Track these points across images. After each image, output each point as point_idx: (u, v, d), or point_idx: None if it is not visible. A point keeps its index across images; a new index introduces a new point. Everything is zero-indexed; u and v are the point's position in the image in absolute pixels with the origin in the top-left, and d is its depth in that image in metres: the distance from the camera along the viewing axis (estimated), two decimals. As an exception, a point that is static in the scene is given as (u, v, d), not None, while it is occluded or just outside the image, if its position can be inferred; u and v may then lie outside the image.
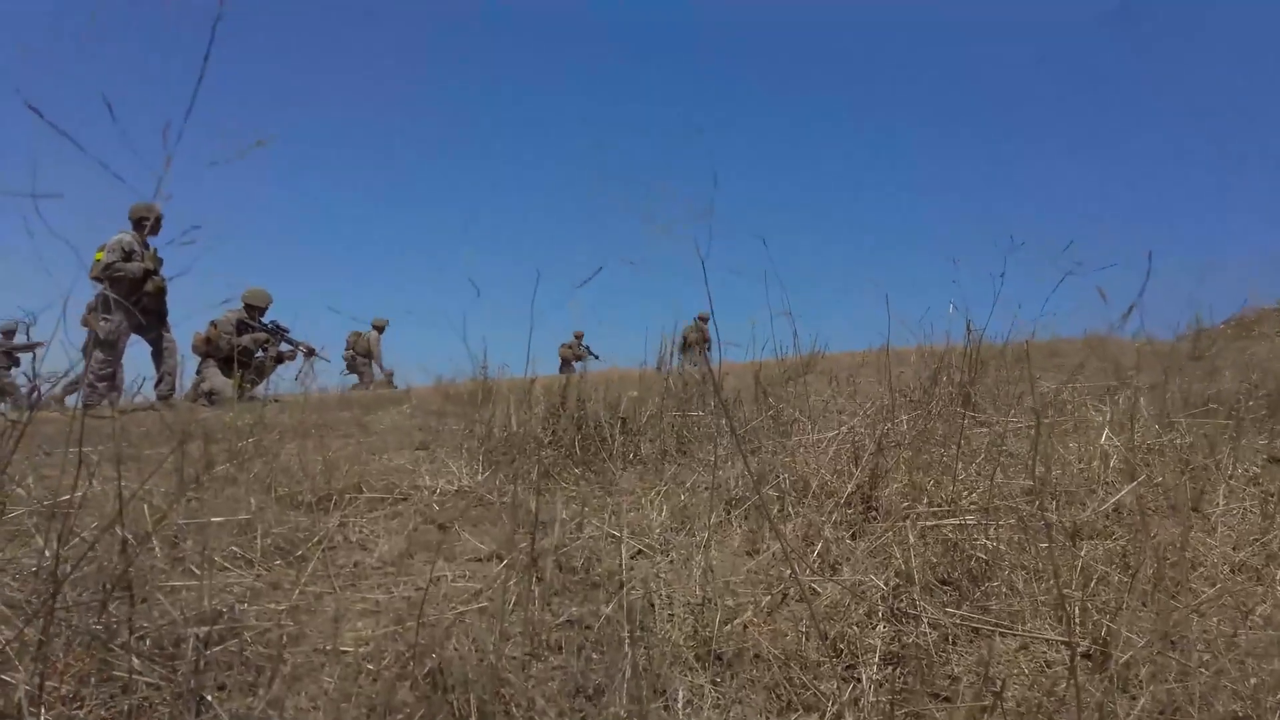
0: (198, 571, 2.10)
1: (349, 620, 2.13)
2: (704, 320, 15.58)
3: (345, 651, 1.99)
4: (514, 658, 2.03)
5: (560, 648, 2.12)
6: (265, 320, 8.67)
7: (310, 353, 8.67)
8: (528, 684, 1.92)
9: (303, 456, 3.16)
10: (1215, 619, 2.31)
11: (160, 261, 7.61)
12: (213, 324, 8.46)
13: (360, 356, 15.74)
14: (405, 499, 2.97)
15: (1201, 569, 2.62)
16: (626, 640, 2.07)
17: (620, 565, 2.33)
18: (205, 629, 1.85)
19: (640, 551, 2.60)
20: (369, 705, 1.79)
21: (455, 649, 1.98)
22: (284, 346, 8.70)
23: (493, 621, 2.09)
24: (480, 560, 2.53)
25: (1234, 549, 2.79)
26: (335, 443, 4.04)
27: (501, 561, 2.43)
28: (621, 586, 2.19)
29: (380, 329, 15.92)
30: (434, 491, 3.02)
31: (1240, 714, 2.04)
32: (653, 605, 2.31)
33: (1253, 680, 2.10)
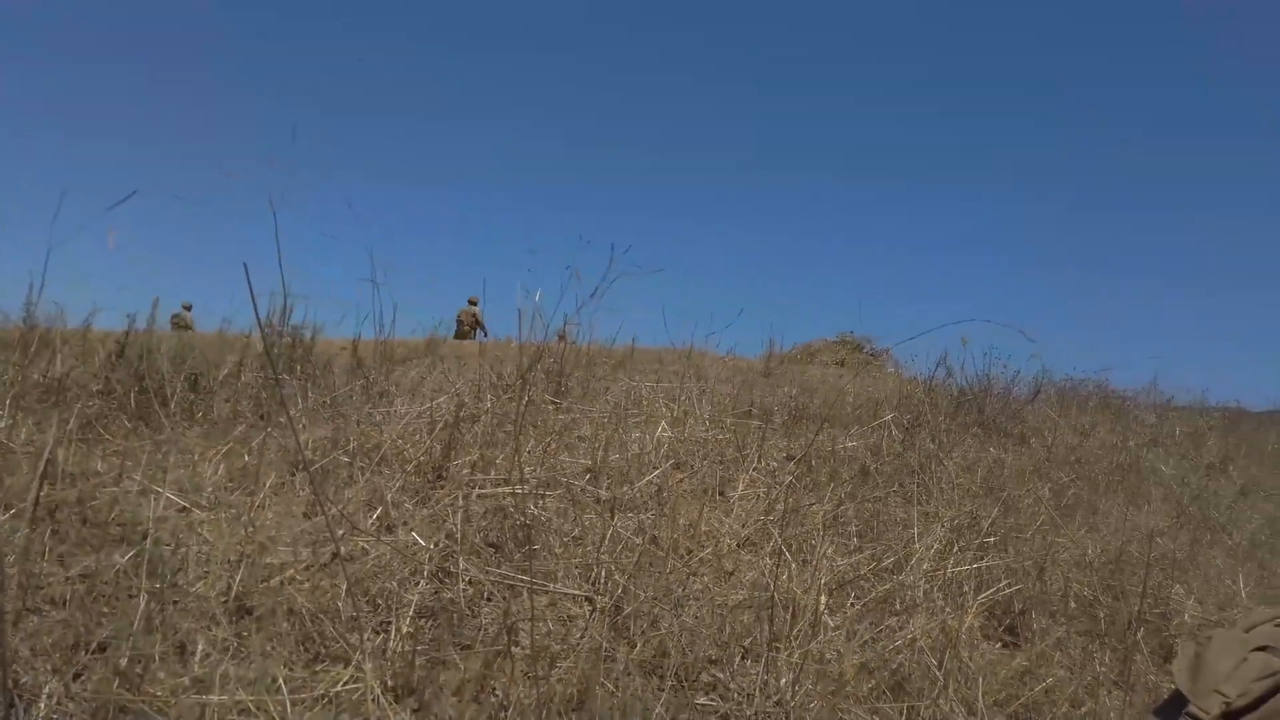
0: None
1: None
2: (474, 303, 14.99)
3: None
4: (5, 611, 1.84)
5: (66, 602, 1.96)
6: None
7: None
8: (15, 638, 1.76)
9: None
10: (708, 579, 2.73)
11: None
12: None
13: None
14: (-105, 442, 2.54)
15: (712, 540, 3.06)
16: (144, 593, 1.97)
17: (150, 519, 2.20)
18: None
19: (185, 509, 2.47)
20: None
21: (-75, 602, 1.75)
22: None
23: (-19, 573, 1.87)
24: (-16, 511, 2.25)
25: (743, 526, 3.30)
26: None
27: (9, 511, 2.19)
28: (145, 538, 2.07)
29: None
30: (-63, 436, 2.61)
31: (714, 657, 2.44)
32: (186, 562, 2.22)
33: (726, 630, 2.52)
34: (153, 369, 3.23)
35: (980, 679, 2.54)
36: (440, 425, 3.18)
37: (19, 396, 2.84)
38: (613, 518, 2.93)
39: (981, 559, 3.16)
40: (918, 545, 3.24)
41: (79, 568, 2.05)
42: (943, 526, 3.44)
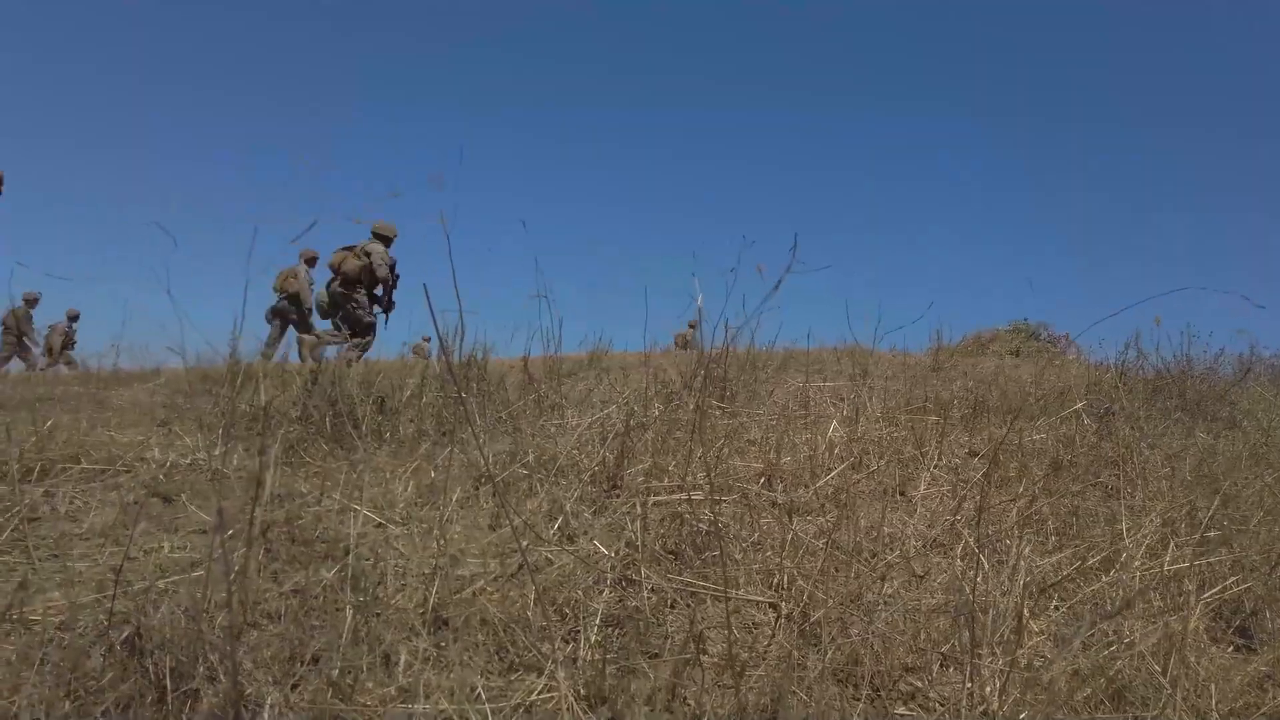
0: None
1: (43, 590, 1.99)
2: (693, 327, 15.53)
3: (34, 620, 1.86)
4: (227, 626, 1.97)
5: (281, 616, 2.09)
6: None
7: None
8: (239, 650, 1.88)
9: (12, 426, 2.90)
10: (897, 584, 2.61)
11: None
12: None
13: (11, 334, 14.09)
14: (129, 471, 2.79)
15: (897, 543, 2.94)
16: (349, 606, 2.07)
17: (351, 535, 2.31)
18: None
19: (381, 525, 2.59)
20: (55, 671, 1.69)
21: (163, 616, 1.91)
22: None
23: (208, 590, 2.02)
24: (205, 532, 2.43)
25: (928, 527, 3.15)
26: (64, 417, 3.72)
27: (228, 533, 2.35)
28: (347, 554, 2.18)
29: (31, 303, 14.41)
30: (163, 465, 2.86)
31: (910, 664, 2.32)
32: (385, 575, 2.32)
33: (921, 636, 2.40)
34: (343, 394, 3.42)
35: (1212, 686, 2.30)
36: (612, 435, 3.20)
37: (229, 426, 3.06)
38: (791, 521, 2.86)
39: (1202, 554, 2.88)
40: (1126, 541, 2.99)
41: (290, 584, 2.17)
42: (1153, 520, 3.17)
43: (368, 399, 3.39)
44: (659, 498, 2.81)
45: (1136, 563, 2.87)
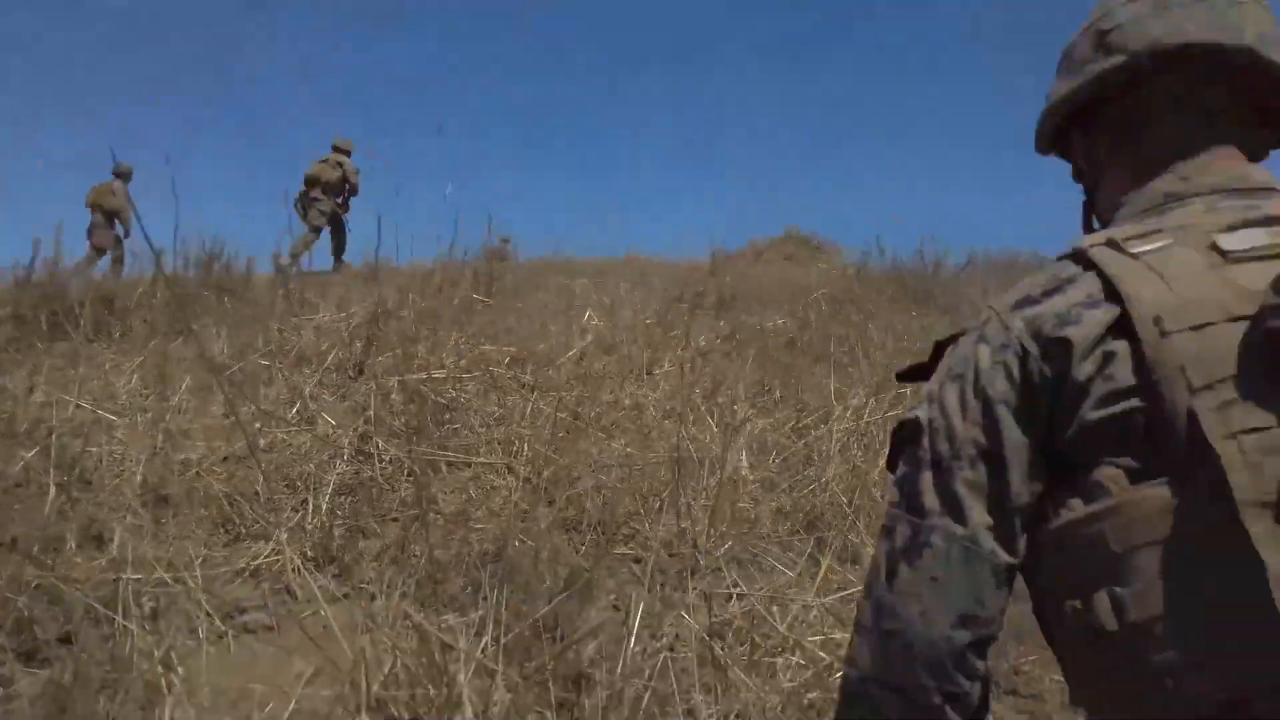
0: None
1: None
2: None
3: None
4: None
5: (-25, 504, 1.99)
6: None
7: None
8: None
9: None
10: (626, 443, 2.81)
11: None
12: None
13: None
14: None
15: (637, 413, 3.14)
16: (52, 485, 2.01)
17: (54, 419, 2.22)
18: None
19: (96, 415, 2.48)
20: None
21: None
22: None
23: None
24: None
25: (669, 399, 3.38)
26: None
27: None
28: (49, 434, 2.09)
29: None
30: None
31: (633, 511, 2.53)
32: (101, 461, 2.25)
33: (645, 486, 2.61)
34: (60, 293, 3.20)
35: (890, 513, 2.66)
36: (355, 323, 3.20)
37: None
38: (533, 394, 2.99)
39: (896, 407, 3.27)
40: (836, 405, 3.34)
41: (-10, 471, 2.07)
42: (864, 387, 3.55)
43: (87, 296, 3.18)
44: (401, 377, 2.85)
45: (844, 421, 3.22)
